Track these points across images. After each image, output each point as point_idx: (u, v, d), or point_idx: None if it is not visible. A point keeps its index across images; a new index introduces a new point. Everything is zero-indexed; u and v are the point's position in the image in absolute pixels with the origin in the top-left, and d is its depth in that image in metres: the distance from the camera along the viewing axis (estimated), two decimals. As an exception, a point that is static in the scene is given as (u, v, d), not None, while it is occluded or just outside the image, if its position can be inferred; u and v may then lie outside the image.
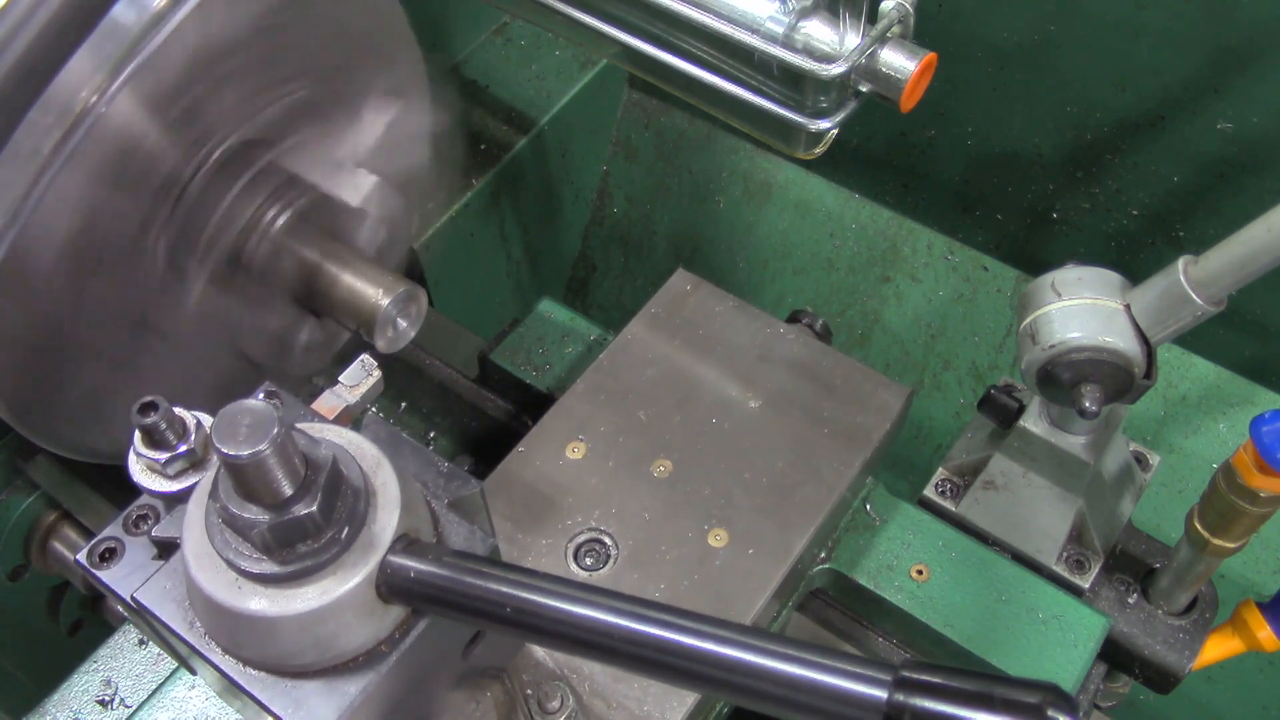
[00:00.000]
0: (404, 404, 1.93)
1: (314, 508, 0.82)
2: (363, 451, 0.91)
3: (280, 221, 1.46)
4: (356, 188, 1.56)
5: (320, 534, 0.84)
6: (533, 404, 1.75)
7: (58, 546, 1.96)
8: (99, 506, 1.88)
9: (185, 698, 1.18)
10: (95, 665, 1.26)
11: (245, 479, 0.80)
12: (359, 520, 0.86)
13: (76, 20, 1.16)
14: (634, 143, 2.98)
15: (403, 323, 1.48)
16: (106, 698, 1.24)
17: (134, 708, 1.20)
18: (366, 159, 1.56)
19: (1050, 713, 0.64)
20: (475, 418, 1.85)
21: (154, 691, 1.19)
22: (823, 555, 1.46)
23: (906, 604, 1.43)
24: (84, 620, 2.12)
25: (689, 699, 1.23)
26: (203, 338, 1.47)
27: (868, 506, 1.50)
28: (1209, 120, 2.05)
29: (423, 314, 1.50)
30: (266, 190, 1.43)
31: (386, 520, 0.87)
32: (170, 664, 1.23)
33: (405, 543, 0.87)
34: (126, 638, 1.27)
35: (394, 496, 0.88)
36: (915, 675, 0.68)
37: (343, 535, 0.85)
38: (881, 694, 0.68)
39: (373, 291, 1.44)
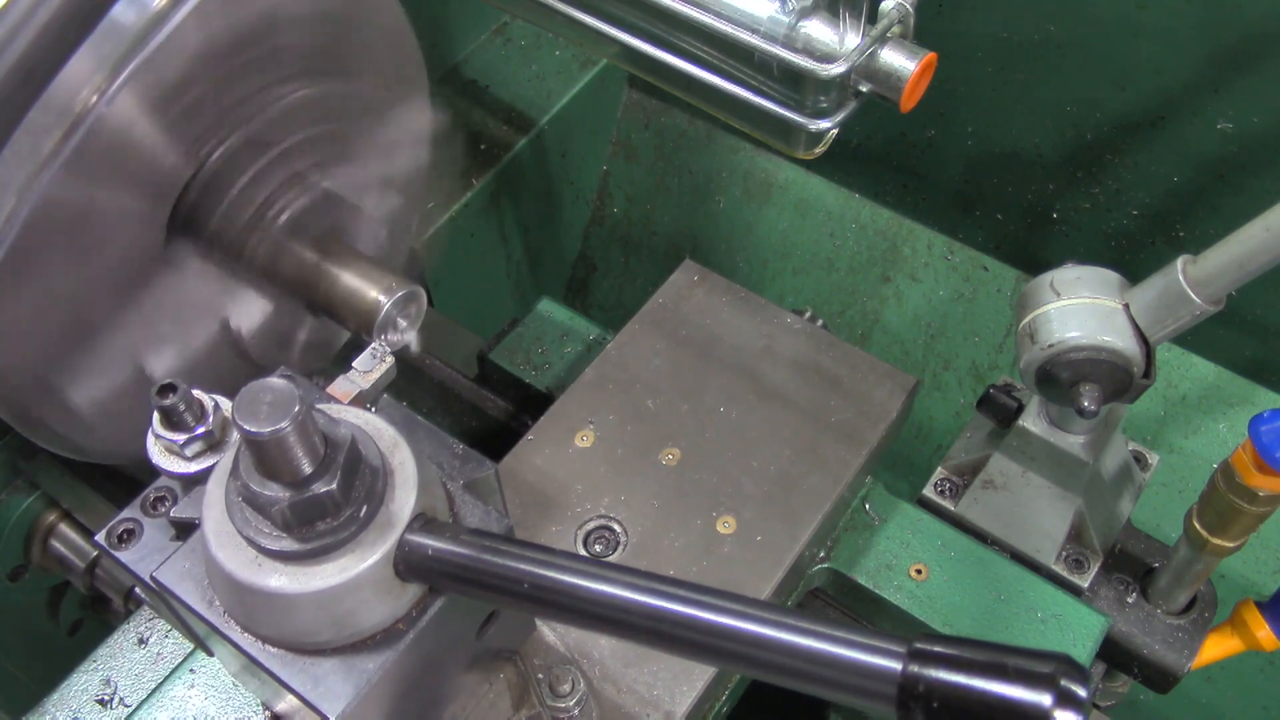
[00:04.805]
0: (404, 403, 1.93)
1: (333, 486, 0.83)
2: (380, 432, 0.92)
3: (281, 221, 1.46)
4: (357, 188, 1.56)
5: (339, 512, 0.85)
6: (532, 403, 1.76)
7: (58, 546, 1.96)
8: (99, 506, 1.88)
9: (185, 697, 1.19)
10: (95, 665, 1.26)
11: (266, 456, 0.81)
12: (377, 499, 0.87)
13: (76, 20, 1.16)
14: (634, 143, 2.98)
15: (403, 323, 1.48)
16: (106, 697, 1.24)
17: (133, 707, 1.20)
18: (367, 159, 1.56)
19: (1063, 682, 0.64)
20: (475, 417, 1.86)
21: (153, 691, 1.20)
22: (822, 554, 1.46)
23: (905, 603, 1.43)
24: (84, 620, 2.12)
25: (698, 683, 1.24)
26: (203, 336, 1.48)
27: (867, 506, 1.50)
28: (1209, 120, 2.05)
29: (422, 314, 1.50)
30: (267, 190, 1.43)
31: (404, 499, 0.88)
32: (170, 664, 1.24)
33: (422, 521, 0.88)
34: (126, 637, 1.28)
35: (411, 476, 0.90)
36: (928, 647, 0.69)
37: (361, 514, 0.86)
38: (896, 666, 0.69)
39: (373, 291, 1.44)
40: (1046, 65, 2.19)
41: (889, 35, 1.19)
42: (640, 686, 1.23)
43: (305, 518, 0.84)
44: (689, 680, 1.24)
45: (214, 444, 1.00)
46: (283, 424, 0.78)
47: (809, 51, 1.20)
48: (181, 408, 0.97)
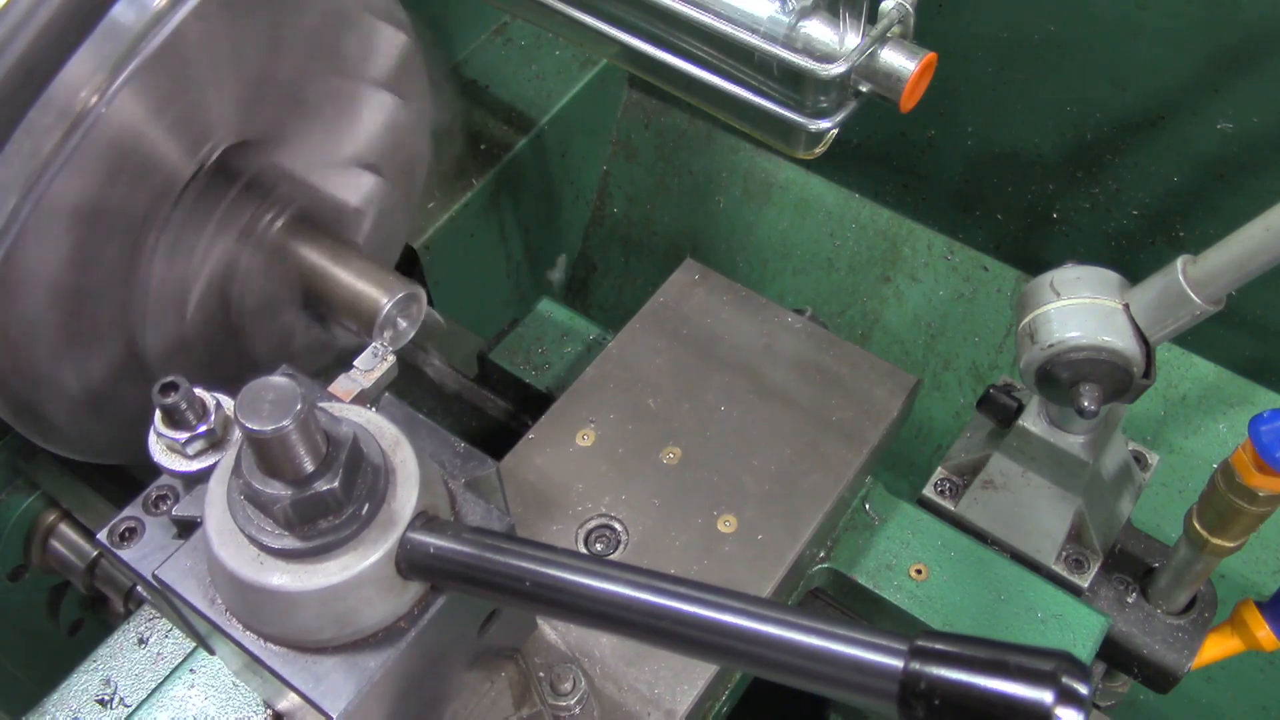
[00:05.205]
0: (404, 403, 1.93)
1: (335, 484, 0.83)
2: (382, 430, 0.92)
3: (280, 222, 1.46)
4: (356, 187, 1.56)
5: (341, 510, 0.85)
6: (532, 403, 1.76)
7: (58, 546, 1.97)
8: (99, 506, 1.88)
9: (185, 697, 1.19)
10: (95, 665, 1.26)
11: (268, 454, 0.81)
12: (379, 497, 0.88)
13: (76, 20, 1.16)
14: (634, 143, 2.98)
15: (403, 323, 1.49)
16: (106, 697, 1.24)
17: (133, 707, 1.20)
18: (366, 158, 1.56)
19: (1064, 679, 0.64)
20: (475, 417, 1.86)
21: (153, 691, 1.20)
22: (822, 554, 1.46)
23: (905, 603, 1.43)
24: (84, 620, 2.13)
25: (699, 682, 1.24)
26: (202, 337, 1.48)
27: (867, 506, 1.50)
28: (1209, 120, 2.05)
29: (423, 314, 1.50)
30: (266, 190, 1.43)
31: (406, 497, 0.89)
32: (170, 663, 1.24)
33: (424, 519, 0.89)
34: (126, 637, 1.28)
35: (413, 474, 0.90)
36: (930, 644, 0.69)
37: (363, 512, 0.86)
38: (897, 663, 0.69)
39: (373, 292, 1.45)
40: (1046, 65, 2.19)
41: (889, 35, 1.19)
42: (641, 685, 1.23)
43: (307, 516, 0.84)
44: (690, 679, 1.24)
45: (216, 442, 1.01)
46: (285, 422, 0.78)
47: (809, 51, 1.20)
48: (183, 406, 0.98)
